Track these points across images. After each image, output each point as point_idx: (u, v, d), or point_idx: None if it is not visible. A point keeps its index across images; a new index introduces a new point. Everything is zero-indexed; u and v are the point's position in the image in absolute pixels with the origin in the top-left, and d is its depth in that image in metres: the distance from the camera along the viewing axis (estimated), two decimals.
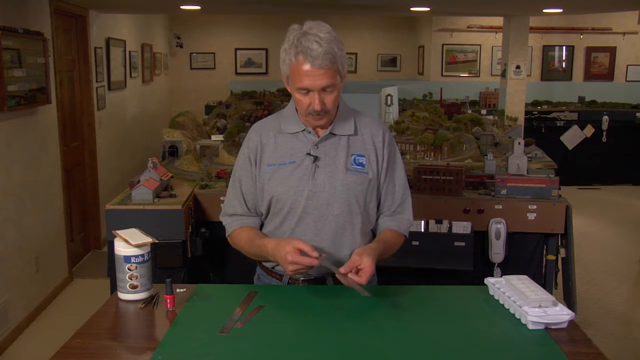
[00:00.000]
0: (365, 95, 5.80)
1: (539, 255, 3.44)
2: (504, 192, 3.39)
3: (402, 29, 9.96)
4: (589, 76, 9.25)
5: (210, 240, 3.31)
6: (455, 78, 9.10)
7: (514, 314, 1.65)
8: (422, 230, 3.31)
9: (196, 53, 9.83)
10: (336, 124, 1.88)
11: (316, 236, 1.86)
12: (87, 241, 5.52)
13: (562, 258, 3.41)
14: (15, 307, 3.88)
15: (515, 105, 7.06)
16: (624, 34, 9.07)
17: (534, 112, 8.26)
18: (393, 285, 1.88)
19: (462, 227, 3.29)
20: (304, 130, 1.87)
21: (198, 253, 3.26)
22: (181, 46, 9.75)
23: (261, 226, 1.99)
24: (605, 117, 8.16)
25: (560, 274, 3.48)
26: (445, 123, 5.55)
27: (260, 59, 9.91)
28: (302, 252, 1.69)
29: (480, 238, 3.37)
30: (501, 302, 1.73)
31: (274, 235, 1.91)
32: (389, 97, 5.84)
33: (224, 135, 4.71)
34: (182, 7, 5.96)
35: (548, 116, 8.33)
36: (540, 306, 1.62)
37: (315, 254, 1.69)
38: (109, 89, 6.03)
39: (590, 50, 9.19)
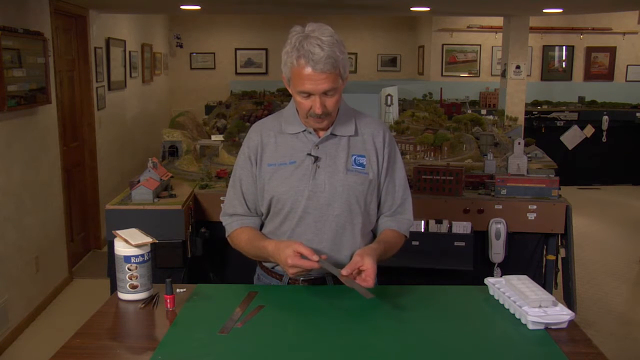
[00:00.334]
0: (365, 95, 5.79)
1: (539, 255, 3.44)
2: (504, 192, 3.39)
3: (402, 29, 9.96)
4: (589, 76, 9.25)
5: (210, 240, 3.31)
6: (455, 78, 9.10)
7: (514, 314, 1.65)
8: (422, 230, 3.31)
9: (196, 53, 9.83)
10: (337, 124, 1.88)
11: (316, 236, 1.86)
12: (87, 241, 5.52)
13: (562, 258, 3.41)
14: (15, 307, 3.88)
15: (515, 105, 7.06)
16: (624, 34, 9.07)
17: (534, 112, 8.26)
18: (393, 286, 1.88)
19: (462, 227, 3.30)
20: (304, 130, 1.87)
21: (198, 253, 3.26)
22: (181, 46, 9.75)
23: (261, 226, 1.99)
24: (605, 117, 8.16)
25: (560, 274, 3.48)
26: (445, 123, 5.55)
27: (260, 59, 9.91)
28: (303, 255, 1.69)
29: (480, 238, 3.37)
30: (501, 302, 1.73)
31: (274, 235, 1.91)
32: (389, 97, 5.84)
33: (224, 135, 4.71)
34: (182, 7, 5.96)
35: (548, 116, 8.33)
36: (540, 306, 1.62)
37: (315, 257, 1.68)
38: (109, 89, 6.03)
39: (590, 50, 9.19)
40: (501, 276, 1.87)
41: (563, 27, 9.05)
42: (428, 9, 6.50)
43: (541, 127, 8.24)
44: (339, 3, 5.87)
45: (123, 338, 1.61)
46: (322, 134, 1.88)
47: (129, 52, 6.86)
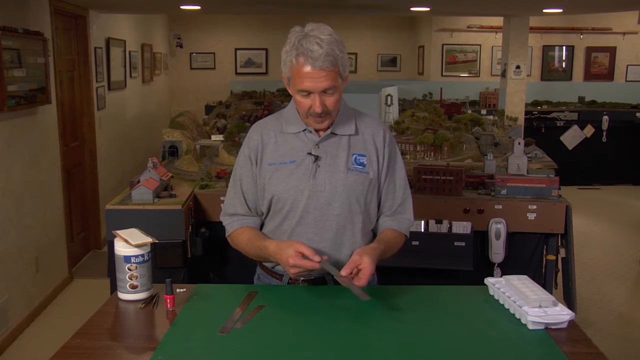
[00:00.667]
0: (365, 95, 5.79)
1: (539, 255, 3.44)
2: (504, 192, 3.39)
3: (402, 29, 9.97)
4: (589, 76, 9.25)
5: (210, 240, 3.31)
6: (455, 78, 9.10)
7: (514, 314, 1.65)
8: (422, 230, 3.31)
9: (196, 53, 9.83)
10: (337, 123, 1.88)
11: (316, 236, 1.86)
12: (87, 241, 5.52)
13: (562, 258, 3.41)
14: (15, 307, 3.88)
15: (515, 105, 7.06)
16: (624, 34, 9.08)
17: (534, 112, 8.26)
18: (393, 285, 1.88)
19: (462, 227, 3.29)
20: (304, 129, 1.87)
21: (198, 253, 3.26)
22: (181, 46, 9.75)
23: (261, 226, 1.99)
24: (605, 117, 8.16)
25: (560, 274, 3.48)
26: (445, 123, 5.54)
27: (260, 59, 9.91)
28: (304, 256, 1.69)
29: (480, 238, 3.37)
30: (501, 302, 1.73)
31: (274, 234, 1.91)
32: (389, 97, 5.84)
33: (224, 135, 4.71)
34: (182, 7, 5.96)
35: (548, 116, 8.32)
36: (540, 306, 1.62)
37: (317, 258, 1.68)
38: (109, 89, 6.03)
39: (590, 50, 9.19)
40: (501, 276, 1.87)
41: (563, 27, 9.06)
42: (428, 9, 6.50)
43: (541, 127, 8.24)
44: (339, 3, 5.87)
45: (123, 338, 1.61)
46: (322, 133, 1.88)
47: (129, 52, 6.86)
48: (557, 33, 9.13)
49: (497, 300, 1.75)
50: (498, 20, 8.10)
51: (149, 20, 8.04)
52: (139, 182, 3.19)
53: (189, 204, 3.23)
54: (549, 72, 9.30)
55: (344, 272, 1.69)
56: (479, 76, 9.14)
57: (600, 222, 6.62)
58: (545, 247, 3.44)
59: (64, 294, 4.60)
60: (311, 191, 1.83)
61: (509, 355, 1.46)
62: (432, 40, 9.06)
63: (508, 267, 3.32)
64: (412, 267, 3.24)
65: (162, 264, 3.01)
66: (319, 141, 1.86)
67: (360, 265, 1.70)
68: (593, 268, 5.17)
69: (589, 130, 8.13)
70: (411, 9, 6.45)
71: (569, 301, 3.42)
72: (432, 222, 3.33)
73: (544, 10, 6.57)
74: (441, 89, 7.97)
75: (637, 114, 8.33)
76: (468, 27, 8.93)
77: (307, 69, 1.71)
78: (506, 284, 1.77)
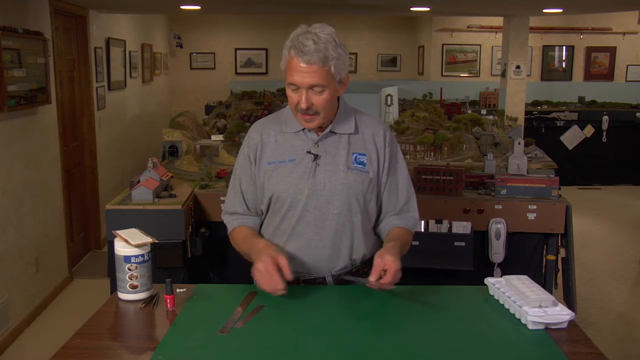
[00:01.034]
0: (365, 95, 5.79)
1: (539, 255, 3.44)
2: (504, 192, 3.39)
3: (402, 29, 9.96)
4: (589, 76, 9.25)
5: (210, 240, 3.31)
6: (455, 78, 9.10)
7: (514, 314, 1.65)
8: (422, 230, 3.31)
9: (196, 53, 9.83)
10: (336, 122, 1.88)
11: (316, 235, 1.86)
12: (87, 241, 5.52)
13: (562, 258, 3.41)
14: (15, 307, 3.88)
15: (515, 105, 7.06)
16: (624, 34, 9.07)
17: (534, 112, 8.26)
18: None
19: (462, 227, 3.29)
20: (304, 128, 1.87)
21: (198, 253, 3.26)
22: (181, 46, 9.75)
23: (261, 226, 1.99)
24: (605, 117, 8.16)
25: (560, 274, 3.48)
26: (445, 123, 5.54)
27: (260, 59, 9.91)
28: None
29: (480, 238, 3.37)
30: (501, 302, 1.73)
31: (275, 233, 1.92)
32: (389, 97, 5.84)
33: (224, 135, 4.71)
34: (182, 7, 5.96)
35: (548, 116, 8.32)
36: (540, 306, 1.62)
37: (290, 276, 1.69)
38: (109, 89, 6.03)
39: (590, 50, 9.19)
40: (501, 276, 1.87)
41: (563, 27, 9.05)
42: (428, 9, 6.50)
43: (541, 127, 8.24)
44: (339, 3, 5.87)
45: (123, 338, 1.61)
46: (321, 132, 1.88)
47: (129, 52, 6.86)
48: (557, 33, 9.13)
49: (497, 300, 1.75)
50: (498, 20, 8.10)
51: (149, 20, 8.04)
52: (139, 182, 3.19)
53: (189, 204, 3.23)
54: (549, 72, 9.30)
55: (372, 279, 1.69)
56: (479, 76, 9.14)
57: (600, 222, 6.61)
58: (545, 247, 3.44)
59: (64, 294, 4.60)
60: (311, 190, 1.83)
61: (509, 355, 1.46)
62: (432, 40, 9.06)
63: (508, 267, 3.32)
64: (412, 267, 3.23)
65: (162, 264, 3.01)
66: (319, 140, 1.86)
67: (385, 266, 1.70)
68: (593, 268, 5.17)
69: (589, 130, 8.12)
70: (411, 9, 6.45)
71: (569, 301, 3.42)
72: (432, 222, 3.33)
73: (544, 10, 6.57)
74: (441, 89, 7.97)
75: (637, 114, 8.33)
76: (468, 27, 8.93)
77: (297, 62, 1.72)
78: (506, 284, 1.77)
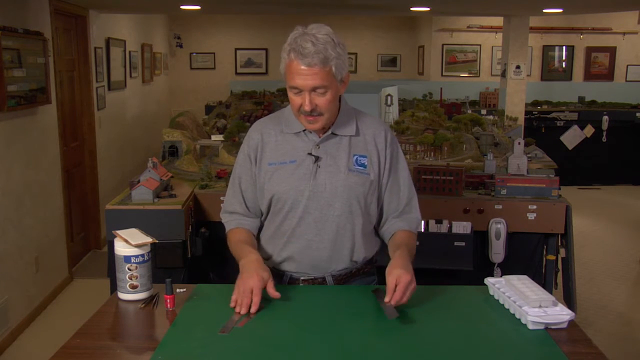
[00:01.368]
0: (365, 95, 5.79)
1: (539, 255, 3.44)
2: (504, 192, 3.39)
3: (402, 29, 9.96)
4: (589, 76, 9.25)
5: (210, 240, 3.31)
6: (455, 78, 9.10)
7: (514, 314, 1.65)
8: (422, 230, 3.31)
9: (196, 53, 9.83)
10: (338, 124, 1.88)
11: (316, 236, 1.86)
12: (87, 241, 5.52)
13: (562, 258, 3.41)
14: (15, 307, 3.88)
15: (515, 105, 7.06)
16: (624, 34, 9.07)
17: (534, 112, 8.26)
18: None
19: (462, 227, 3.29)
20: (305, 130, 1.87)
21: (198, 253, 3.26)
22: (181, 46, 9.75)
23: (261, 227, 1.98)
24: (605, 117, 8.16)
25: (560, 274, 3.48)
26: (445, 123, 5.54)
27: (260, 59, 9.91)
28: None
29: (480, 238, 3.37)
30: (501, 302, 1.73)
31: (275, 235, 1.91)
32: (389, 97, 5.84)
33: (224, 135, 4.71)
34: (182, 7, 5.96)
35: (548, 116, 8.33)
36: (540, 306, 1.62)
37: (276, 295, 1.69)
38: (109, 89, 6.03)
39: (590, 50, 9.19)
40: (501, 276, 1.87)
41: (563, 27, 9.05)
42: (428, 9, 6.50)
43: (541, 127, 8.24)
44: (339, 3, 5.87)
45: (123, 338, 1.61)
46: (322, 133, 1.87)
47: (129, 52, 6.86)
48: (557, 33, 9.13)
49: (497, 300, 1.75)
50: (498, 20, 8.10)
51: (149, 20, 8.04)
52: (139, 182, 3.19)
53: (189, 204, 3.23)
54: (549, 72, 9.30)
55: (387, 299, 1.65)
56: (479, 76, 9.14)
57: (600, 222, 6.62)
58: (545, 247, 3.44)
59: (64, 294, 4.60)
60: (311, 192, 1.83)
61: (509, 355, 1.46)
62: (432, 40, 9.06)
63: (508, 267, 3.32)
64: (412, 267, 3.23)
65: (162, 264, 3.01)
66: (320, 141, 1.86)
67: (397, 281, 1.66)
68: (593, 268, 5.17)
69: (589, 130, 8.12)
70: (411, 9, 6.45)
71: (569, 301, 3.42)
72: (432, 222, 3.33)
73: (544, 10, 6.57)
74: (441, 89, 7.97)
75: (637, 114, 8.34)
76: (468, 27, 8.93)
77: (298, 65, 1.72)
78: (506, 284, 1.77)
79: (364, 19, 9.82)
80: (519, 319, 1.62)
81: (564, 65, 9.32)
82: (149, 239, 1.79)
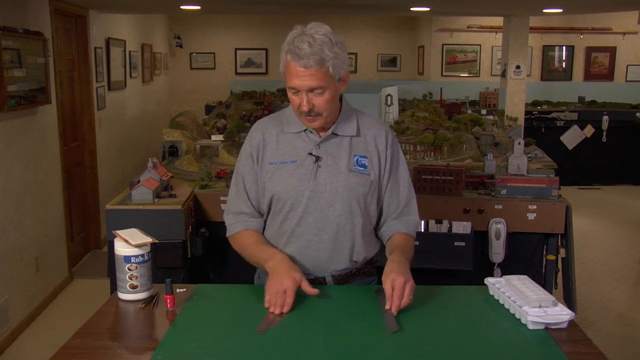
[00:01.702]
0: (365, 95, 5.79)
1: (539, 255, 3.44)
2: (504, 192, 3.39)
3: (402, 29, 9.96)
4: (589, 76, 9.25)
5: (210, 240, 3.31)
6: (455, 78, 9.10)
7: (514, 314, 1.65)
8: (422, 230, 3.31)
9: (196, 53, 9.83)
10: (338, 124, 1.88)
11: (316, 236, 1.86)
12: (87, 241, 5.52)
13: (562, 258, 3.41)
14: (15, 307, 3.88)
15: (515, 105, 7.06)
16: (624, 34, 9.08)
17: (534, 112, 8.26)
18: None
19: (462, 227, 3.29)
20: (306, 129, 1.87)
21: (198, 253, 3.26)
22: (181, 46, 9.75)
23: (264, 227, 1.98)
24: (605, 117, 8.16)
25: (560, 274, 3.48)
26: (445, 123, 5.54)
27: (260, 59, 9.91)
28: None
29: (480, 238, 3.37)
30: (501, 302, 1.73)
31: (275, 235, 1.91)
32: (389, 97, 5.84)
33: (224, 135, 4.71)
34: (182, 7, 5.96)
35: (548, 116, 8.32)
36: (540, 306, 1.62)
37: (314, 292, 1.70)
38: (109, 89, 6.03)
39: (590, 50, 9.19)
40: (501, 276, 1.87)
41: (563, 27, 9.05)
42: (428, 9, 6.50)
43: (541, 127, 8.24)
44: (339, 3, 5.87)
45: (123, 338, 1.61)
46: (323, 133, 1.87)
47: (129, 52, 6.86)
48: (557, 33, 9.13)
49: (497, 300, 1.75)
50: (498, 20, 8.10)
51: (149, 20, 8.04)
52: (139, 182, 3.19)
53: (189, 204, 3.23)
54: (549, 72, 9.30)
55: (388, 307, 1.64)
56: (479, 76, 9.14)
57: (600, 222, 6.62)
58: (545, 247, 3.44)
59: (64, 294, 4.60)
60: (312, 192, 1.83)
61: (509, 355, 1.46)
62: (432, 40, 9.06)
63: (508, 267, 3.31)
64: (412, 267, 3.23)
65: (162, 264, 3.01)
66: (320, 142, 1.86)
67: (393, 285, 1.66)
68: (593, 268, 5.17)
69: (589, 130, 8.12)
70: (411, 9, 6.45)
71: (569, 301, 3.42)
72: (432, 222, 3.33)
73: (544, 10, 6.57)
74: (441, 89, 7.97)
75: (637, 114, 8.34)
76: (468, 27, 8.93)
77: (294, 66, 1.72)
78: (506, 284, 1.77)
79: (364, 19, 9.82)
80: (519, 319, 1.62)
81: (564, 65, 9.32)
82: (149, 239, 1.79)
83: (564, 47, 9.27)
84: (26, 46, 3.94)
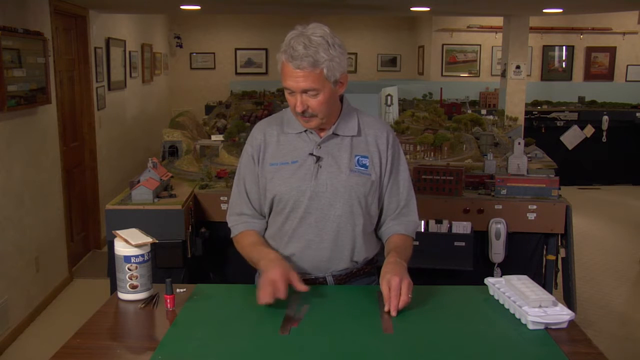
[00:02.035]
0: (365, 95, 5.79)
1: (539, 255, 3.44)
2: (504, 192, 3.39)
3: (402, 29, 9.96)
4: (589, 76, 9.25)
5: (210, 240, 3.31)
6: (455, 78, 9.10)
7: (514, 314, 1.65)
8: (422, 230, 3.31)
9: (196, 53, 9.83)
10: (339, 124, 1.88)
11: (317, 236, 1.86)
12: (87, 241, 5.52)
13: (562, 258, 3.41)
14: (15, 307, 3.88)
15: (515, 105, 7.05)
16: (624, 34, 9.08)
17: (534, 112, 8.26)
18: None
19: (462, 227, 3.29)
20: (306, 130, 1.87)
21: (198, 253, 3.26)
22: (181, 46, 9.75)
23: (266, 228, 1.98)
24: (605, 117, 8.16)
25: (560, 274, 3.48)
26: (445, 123, 5.55)
27: (260, 59, 9.91)
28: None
29: (480, 238, 3.37)
30: (501, 302, 1.73)
31: (277, 235, 1.91)
32: (389, 97, 5.84)
33: (224, 135, 4.71)
34: (182, 7, 5.96)
35: (548, 116, 8.32)
36: (540, 306, 1.62)
37: (303, 288, 1.68)
38: (109, 89, 6.03)
39: (590, 50, 9.19)
40: (501, 276, 1.87)
41: (563, 27, 9.05)
42: (428, 9, 6.50)
43: (541, 127, 8.24)
44: (339, 3, 5.87)
45: (123, 338, 1.61)
46: (323, 133, 1.87)
47: (129, 52, 6.86)
48: (557, 33, 9.13)
49: (497, 300, 1.75)
50: (498, 20, 8.10)
51: (149, 20, 8.04)
52: (139, 182, 3.19)
53: (189, 204, 3.23)
54: (549, 72, 9.30)
55: (386, 309, 1.64)
56: (479, 76, 9.14)
57: (600, 222, 6.62)
58: (545, 247, 3.44)
59: (64, 294, 4.60)
60: (313, 192, 1.83)
61: (509, 355, 1.46)
62: (432, 40, 9.06)
63: (508, 267, 3.32)
64: (412, 267, 3.23)
65: (162, 264, 3.01)
66: (321, 142, 1.86)
67: (390, 285, 1.66)
68: (593, 268, 5.17)
69: (589, 130, 8.13)
70: (411, 9, 6.45)
71: (569, 301, 3.42)
72: (432, 222, 3.33)
73: (544, 10, 6.57)
74: (441, 89, 7.97)
75: (637, 114, 8.33)
76: (468, 27, 8.93)
77: (289, 67, 1.73)
78: (506, 284, 1.77)
79: (364, 19, 9.82)
80: (519, 319, 1.62)
81: (564, 65, 9.32)
82: (149, 239, 1.79)
83: (564, 47, 9.27)
84: (26, 46, 3.94)
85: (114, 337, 1.59)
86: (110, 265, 3.05)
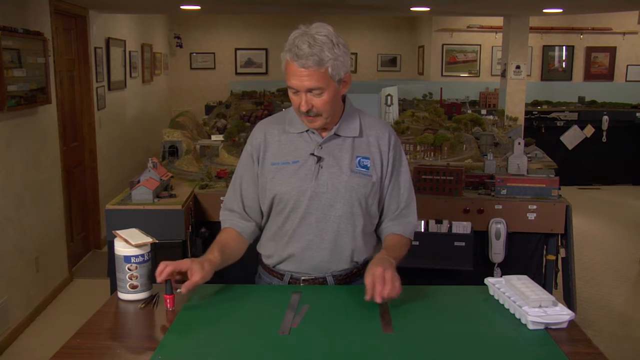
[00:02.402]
0: (365, 95, 5.79)
1: (539, 255, 3.44)
2: (504, 192, 3.39)
3: (402, 29, 9.97)
4: (589, 76, 9.25)
5: (210, 240, 3.29)
6: (455, 78, 9.10)
7: (514, 314, 1.65)
8: (422, 230, 3.31)
9: (196, 53, 9.83)
10: (341, 125, 1.88)
11: (317, 236, 1.86)
12: (87, 241, 5.52)
13: (562, 258, 3.41)
14: (15, 307, 3.88)
15: (515, 105, 7.05)
16: (624, 34, 9.08)
17: (534, 112, 8.26)
18: None
19: (462, 227, 3.29)
20: (308, 130, 1.87)
21: (198, 253, 3.26)
22: (181, 46, 9.75)
23: (262, 228, 1.98)
24: (605, 117, 8.16)
25: (560, 274, 3.48)
26: (445, 123, 5.54)
27: (260, 59, 9.91)
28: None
29: (480, 238, 3.37)
30: (501, 302, 1.73)
31: (277, 235, 1.91)
32: (389, 97, 5.84)
33: (224, 135, 4.71)
34: (182, 7, 5.96)
35: (548, 116, 8.32)
36: (540, 306, 1.62)
37: (187, 287, 1.68)
38: (109, 89, 6.03)
39: (590, 50, 9.19)
40: (501, 276, 1.87)
41: (563, 27, 9.05)
42: (428, 9, 6.50)
43: (541, 127, 8.24)
44: (339, 3, 5.87)
45: (123, 338, 1.61)
46: (325, 134, 1.87)
47: (129, 52, 6.86)
48: (557, 33, 9.13)
49: (497, 300, 1.75)
50: (498, 20, 8.10)
51: (149, 20, 8.04)
52: (139, 182, 3.19)
53: (189, 204, 3.23)
54: (549, 72, 9.30)
55: (367, 298, 1.62)
56: (479, 76, 9.14)
57: (600, 222, 6.62)
58: (545, 247, 3.44)
59: (64, 294, 4.60)
60: (313, 192, 1.83)
61: (509, 355, 1.46)
62: (432, 40, 9.06)
63: (508, 267, 3.32)
64: (412, 267, 3.23)
65: None
66: (322, 142, 1.86)
67: (375, 277, 1.64)
68: (593, 268, 5.17)
69: (589, 130, 8.12)
70: (411, 9, 6.45)
71: (569, 301, 3.42)
72: (432, 222, 3.33)
73: (544, 10, 6.57)
74: (441, 89, 7.97)
75: (637, 114, 8.33)
76: (468, 27, 8.93)
77: (294, 66, 1.72)
78: (506, 284, 1.77)
79: (364, 19, 9.82)
80: (519, 319, 1.62)
81: (564, 65, 9.32)
82: (149, 239, 1.79)
83: (564, 47, 9.27)
84: (26, 46, 3.94)
85: (114, 337, 1.59)
86: (110, 265, 3.05)
